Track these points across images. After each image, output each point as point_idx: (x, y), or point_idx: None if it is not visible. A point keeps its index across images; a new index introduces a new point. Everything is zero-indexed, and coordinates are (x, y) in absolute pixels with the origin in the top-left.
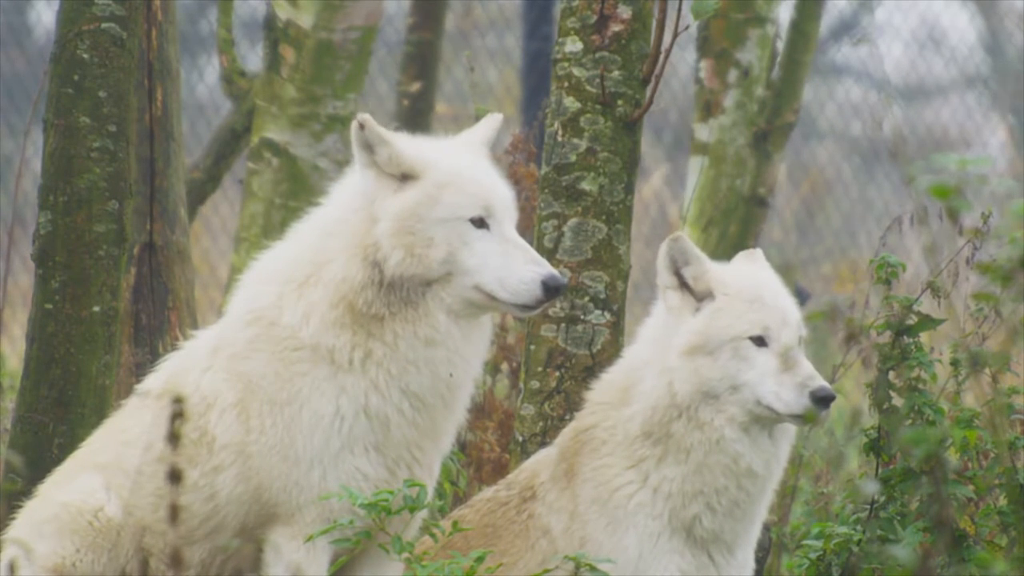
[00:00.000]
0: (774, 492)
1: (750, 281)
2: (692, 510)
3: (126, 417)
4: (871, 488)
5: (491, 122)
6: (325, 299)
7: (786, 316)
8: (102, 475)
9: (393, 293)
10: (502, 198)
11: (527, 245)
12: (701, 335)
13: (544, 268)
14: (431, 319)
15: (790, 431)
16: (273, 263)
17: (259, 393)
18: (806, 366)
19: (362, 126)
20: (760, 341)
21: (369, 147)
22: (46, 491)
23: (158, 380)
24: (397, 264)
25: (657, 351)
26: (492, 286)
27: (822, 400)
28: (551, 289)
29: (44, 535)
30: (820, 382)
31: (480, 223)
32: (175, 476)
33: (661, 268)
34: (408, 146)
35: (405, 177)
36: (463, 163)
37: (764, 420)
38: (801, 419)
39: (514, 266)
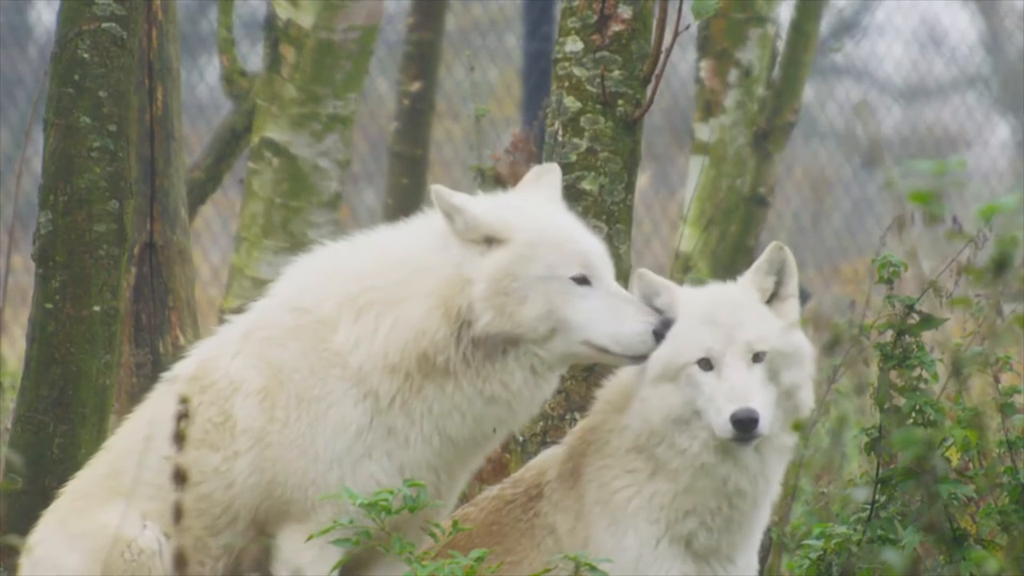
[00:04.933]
0: (774, 500)
1: (703, 301)
2: (687, 526)
3: (152, 408)
4: (861, 494)
5: (553, 175)
6: (392, 341)
7: (733, 334)
8: (133, 495)
9: (477, 350)
10: (599, 253)
11: (630, 295)
12: (661, 362)
13: (653, 316)
14: (505, 377)
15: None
16: (331, 264)
17: (288, 385)
18: (735, 387)
19: (435, 197)
20: (706, 364)
21: (447, 215)
22: (83, 503)
23: (188, 365)
24: (487, 324)
25: (638, 376)
26: (604, 341)
27: (740, 423)
28: (660, 337)
29: (76, 549)
30: (740, 404)
31: (582, 280)
32: (180, 477)
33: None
34: (486, 211)
35: (489, 240)
36: (551, 221)
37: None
38: (740, 444)
39: (626, 320)
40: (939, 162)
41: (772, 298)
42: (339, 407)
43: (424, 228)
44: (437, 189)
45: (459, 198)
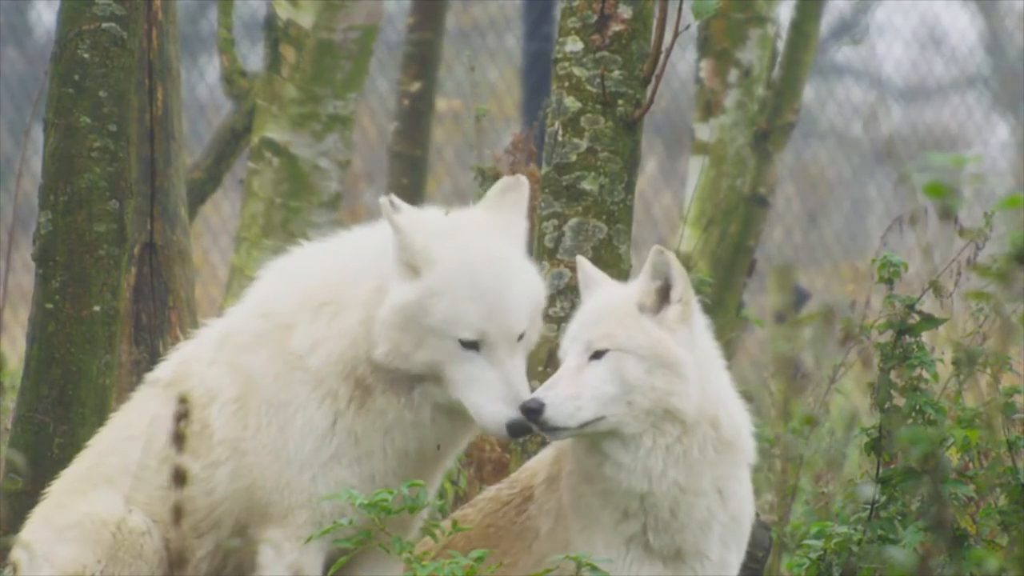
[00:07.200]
0: (708, 501)
1: (588, 302)
2: (633, 527)
3: (134, 410)
4: (868, 491)
5: (519, 192)
6: (336, 347)
7: (576, 333)
8: (117, 483)
9: (380, 375)
10: (502, 316)
11: (514, 375)
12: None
13: (512, 411)
14: (417, 412)
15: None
16: (293, 268)
17: (258, 392)
18: (558, 376)
19: (382, 209)
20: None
21: (391, 228)
22: (65, 498)
23: (167, 369)
24: (382, 355)
25: None
26: (472, 410)
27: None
28: (516, 431)
29: (66, 540)
30: (531, 396)
31: (471, 345)
32: (180, 478)
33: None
34: (418, 236)
35: (413, 268)
36: (467, 269)
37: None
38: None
39: (490, 400)
40: (956, 156)
41: (663, 303)
42: (304, 411)
43: (382, 234)
44: (384, 202)
45: (401, 216)
